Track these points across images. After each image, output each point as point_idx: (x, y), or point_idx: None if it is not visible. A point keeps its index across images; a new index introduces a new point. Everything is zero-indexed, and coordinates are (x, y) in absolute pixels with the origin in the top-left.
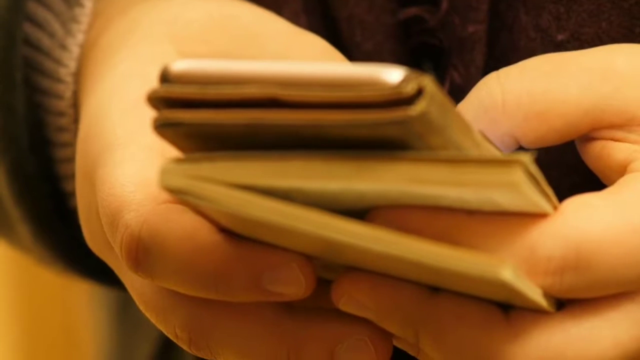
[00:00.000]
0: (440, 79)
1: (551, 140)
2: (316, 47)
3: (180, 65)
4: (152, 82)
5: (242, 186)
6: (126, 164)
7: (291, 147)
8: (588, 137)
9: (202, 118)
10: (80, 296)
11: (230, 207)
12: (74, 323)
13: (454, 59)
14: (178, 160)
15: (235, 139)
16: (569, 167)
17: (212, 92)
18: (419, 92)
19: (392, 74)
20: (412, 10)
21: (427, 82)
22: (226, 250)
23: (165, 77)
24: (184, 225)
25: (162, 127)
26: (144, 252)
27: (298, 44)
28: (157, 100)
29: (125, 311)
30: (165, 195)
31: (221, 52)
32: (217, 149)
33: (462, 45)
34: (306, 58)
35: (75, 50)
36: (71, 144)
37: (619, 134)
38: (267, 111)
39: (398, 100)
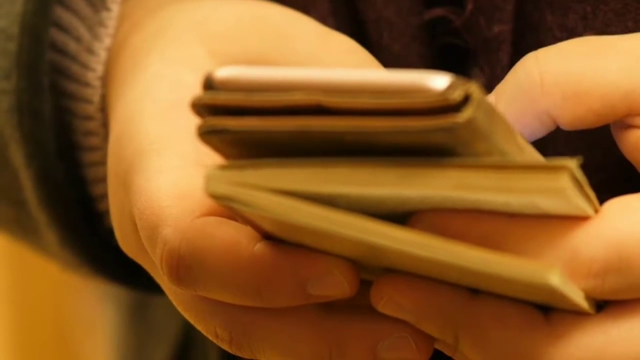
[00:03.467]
0: (471, 80)
1: (589, 121)
2: (345, 47)
3: (224, 72)
4: (183, 85)
5: (287, 192)
6: (161, 174)
7: (336, 153)
8: (625, 124)
9: (248, 125)
10: (73, 296)
11: (276, 214)
12: (67, 323)
13: (480, 60)
14: (223, 167)
15: (279, 145)
16: (597, 164)
17: (257, 99)
18: (466, 99)
19: (439, 81)
20: (438, 11)
21: (474, 88)
22: (268, 260)
23: (209, 84)
24: (223, 238)
25: (207, 134)
26: (186, 268)
27: (328, 44)
28: (201, 107)
29: (141, 313)
30: (202, 209)
31: (252, 52)
32: (261, 156)
33: (487, 45)
34: (336, 58)
35: (102, 54)
36: (99, 148)
37: None
38: (313, 118)
39: (445, 107)
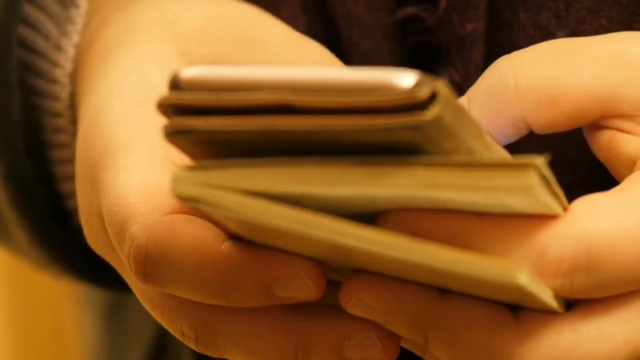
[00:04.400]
0: (439, 77)
1: (562, 125)
2: (316, 54)
3: (190, 72)
4: (152, 82)
5: (254, 193)
6: (129, 171)
7: (303, 153)
8: (597, 126)
9: (215, 125)
10: (70, 297)
11: (243, 215)
12: (64, 325)
13: (453, 58)
14: (189, 168)
15: (247, 145)
16: (570, 164)
17: (224, 99)
18: (433, 97)
19: (405, 79)
20: (410, 9)
21: (441, 86)
22: (234, 259)
23: (176, 84)
24: (190, 236)
25: (173, 135)
26: (152, 265)
27: (299, 51)
28: (167, 107)
29: (115, 315)
30: (169, 206)
31: (221, 55)
32: (229, 156)
33: (460, 43)
34: (306, 64)
35: (70, 51)
36: (68, 145)
37: (628, 125)
38: (279, 117)
39: (412, 104)
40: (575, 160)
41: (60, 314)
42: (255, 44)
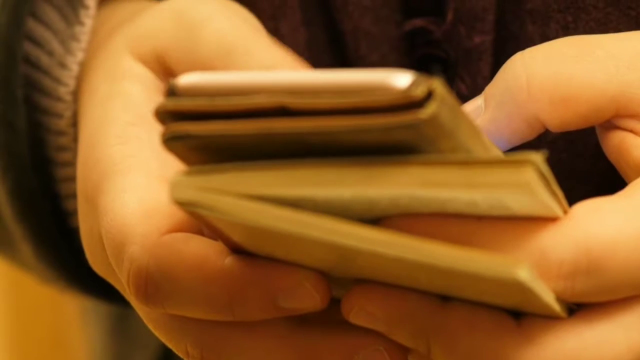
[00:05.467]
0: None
1: (576, 124)
2: (233, 20)
3: (187, 79)
4: (134, 101)
5: (253, 196)
6: (126, 193)
7: (301, 155)
8: (610, 125)
9: (212, 129)
10: (71, 303)
11: (242, 218)
12: (64, 331)
13: (461, 70)
14: (188, 173)
15: (244, 149)
16: (580, 176)
17: (220, 104)
18: (429, 95)
19: (401, 78)
20: (418, 22)
21: (437, 84)
22: (238, 274)
23: (172, 91)
24: (192, 254)
25: (171, 141)
26: (154, 286)
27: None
28: (164, 114)
29: (121, 326)
30: (168, 225)
31: (159, 47)
32: (226, 161)
33: (468, 56)
34: (221, 37)
35: (74, 68)
36: (71, 164)
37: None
38: (276, 120)
39: (408, 103)
40: (586, 174)
41: (61, 319)
42: (192, 29)
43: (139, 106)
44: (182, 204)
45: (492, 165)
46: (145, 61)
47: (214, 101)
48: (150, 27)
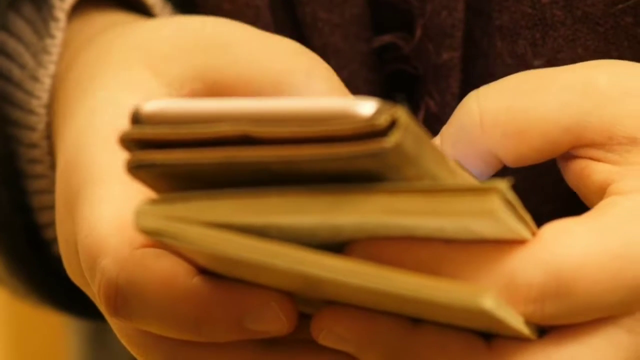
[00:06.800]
0: (416, 106)
1: (532, 158)
2: (290, 49)
3: (151, 106)
4: (125, 111)
5: (217, 225)
6: (103, 204)
7: (266, 183)
8: (569, 156)
9: (175, 158)
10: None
11: (207, 247)
12: (63, 332)
13: (429, 87)
14: (153, 201)
15: (209, 177)
16: (547, 193)
17: (184, 132)
18: (393, 124)
19: (365, 107)
20: (386, 38)
21: (401, 113)
22: (205, 294)
23: (137, 118)
24: (161, 271)
25: (135, 169)
26: (123, 299)
27: (268, 48)
28: (129, 142)
29: (98, 338)
30: (141, 240)
31: (194, 67)
32: (192, 189)
33: (437, 72)
34: (280, 61)
35: (46, 81)
36: (44, 176)
37: (599, 153)
38: (240, 149)
39: (372, 132)
40: (552, 193)
41: (59, 323)
42: (226, 49)
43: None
44: (147, 233)
45: (458, 193)
46: (168, 82)
47: (177, 129)
48: (173, 47)
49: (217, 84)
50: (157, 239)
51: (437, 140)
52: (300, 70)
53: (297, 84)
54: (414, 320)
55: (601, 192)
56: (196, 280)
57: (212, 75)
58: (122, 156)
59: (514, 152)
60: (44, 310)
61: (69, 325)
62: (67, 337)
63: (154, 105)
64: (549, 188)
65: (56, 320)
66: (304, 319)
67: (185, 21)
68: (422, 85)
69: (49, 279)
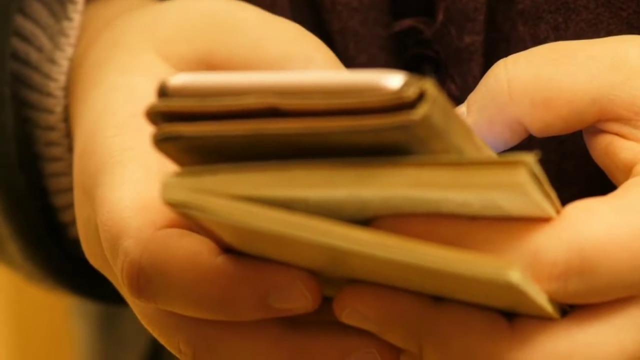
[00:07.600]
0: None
1: (558, 128)
2: (289, 31)
3: (178, 79)
4: (140, 94)
5: (244, 197)
6: (124, 186)
7: (292, 156)
8: (596, 130)
9: (202, 130)
10: (65, 306)
11: (233, 219)
12: (64, 329)
13: (451, 70)
14: (179, 174)
15: (236, 150)
16: (569, 177)
17: (211, 104)
18: (421, 96)
19: (393, 79)
20: (407, 22)
21: (429, 86)
22: (230, 272)
23: (163, 92)
24: (184, 250)
25: (162, 142)
26: (146, 280)
27: (272, 30)
28: (155, 115)
29: (109, 325)
30: (163, 220)
31: (200, 50)
32: (218, 162)
33: (458, 56)
34: (282, 46)
35: (64, 64)
36: (61, 159)
37: (625, 129)
38: (267, 121)
39: (400, 105)
40: (575, 176)
41: (60, 316)
42: (231, 30)
43: (144, 98)
44: (173, 205)
45: (485, 166)
46: (175, 64)
47: (204, 102)
48: (180, 30)
49: (218, 67)
50: (182, 212)
51: (463, 107)
52: (299, 55)
53: (297, 69)
54: (437, 299)
55: (627, 171)
56: (220, 259)
57: (217, 57)
58: (139, 138)
59: (541, 121)
60: (49, 295)
61: (75, 311)
62: (72, 322)
63: (180, 78)
64: (570, 172)
65: (60, 305)
66: (326, 302)
67: (191, 4)
68: (444, 69)
69: (65, 263)
